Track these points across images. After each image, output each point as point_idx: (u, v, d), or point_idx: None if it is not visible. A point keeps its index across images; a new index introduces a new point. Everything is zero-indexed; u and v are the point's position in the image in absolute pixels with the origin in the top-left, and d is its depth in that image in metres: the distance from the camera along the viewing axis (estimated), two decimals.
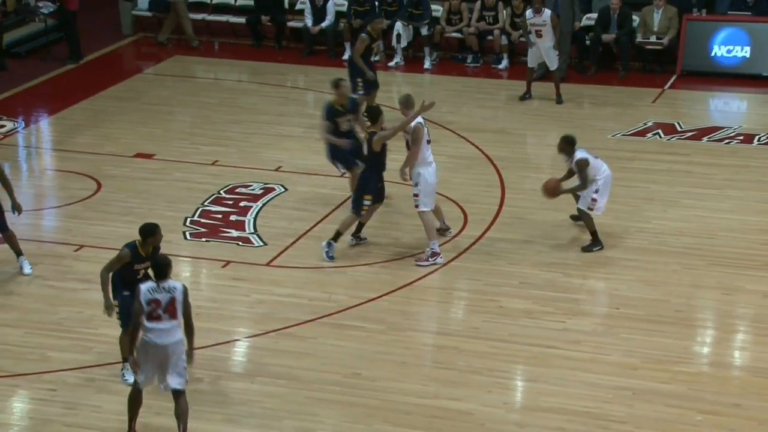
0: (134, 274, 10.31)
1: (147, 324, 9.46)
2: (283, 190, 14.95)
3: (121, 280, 10.38)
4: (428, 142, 13.06)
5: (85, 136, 16.80)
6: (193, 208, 14.36)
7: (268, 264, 13.08)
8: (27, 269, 12.70)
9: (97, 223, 14.00)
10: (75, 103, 18.25)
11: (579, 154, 13.19)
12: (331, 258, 13.09)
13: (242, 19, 21.39)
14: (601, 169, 13.26)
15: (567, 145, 13.34)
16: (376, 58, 17.16)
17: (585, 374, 10.85)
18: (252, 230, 13.90)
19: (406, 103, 13.17)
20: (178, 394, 9.58)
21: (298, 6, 21.25)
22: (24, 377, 10.84)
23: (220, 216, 14.23)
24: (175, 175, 15.41)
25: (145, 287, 9.49)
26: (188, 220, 14.09)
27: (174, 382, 9.53)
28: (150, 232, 10.25)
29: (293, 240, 13.61)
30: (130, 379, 10.18)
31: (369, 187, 13.10)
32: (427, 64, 20.23)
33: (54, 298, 12.28)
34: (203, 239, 13.67)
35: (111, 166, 15.64)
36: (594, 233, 13.31)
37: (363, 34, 16.52)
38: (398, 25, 20.20)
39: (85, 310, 11.85)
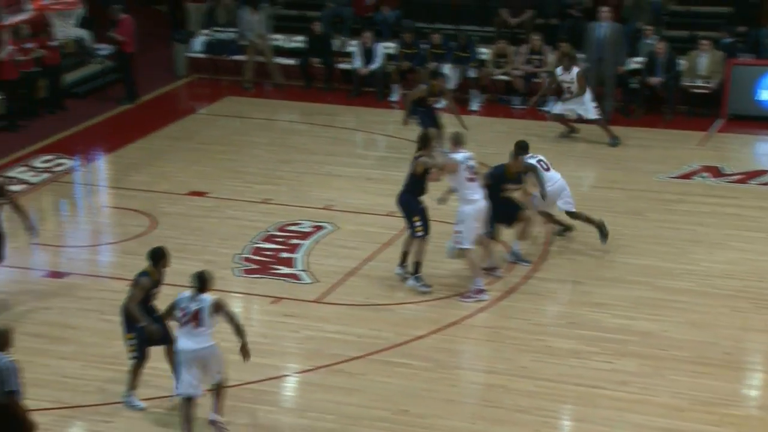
0: (149, 299, 10.70)
1: (177, 330, 10.27)
2: (332, 228, 15.02)
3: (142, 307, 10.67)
4: (472, 180, 13.08)
5: (141, 174, 17.00)
6: (244, 245, 14.44)
7: (317, 301, 13.12)
8: None
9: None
10: (131, 142, 18.47)
11: (529, 161, 13.77)
12: (427, 289, 13.13)
13: (293, 61, 21.59)
14: (552, 179, 13.93)
15: (520, 150, 13.79)
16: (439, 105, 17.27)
17: (632, 415, 10.76)
18: (301, 267, 13.96)
19: (455, 140, 13.26)
20: (218, 385, 10.40)
21: (348, 48, 21.43)
22: (81, 409, 10.93)
23: (270, 253, 14.30)
24: (227, 212, 15.53)
25: (181, 296, 10.28)
26: (239, 257, 14.16)
27: (214, 379, 10.39)
28: (161, 255, 10.70)
29: (342, 277, 13.64)
30: (140, 405, 10.81)
31: (412, 208, 13.17)
32: (473, 106, 20.30)
33: (110, 332, 12.35)
34: (254, 276, 13.74)
35: (165, 204, 15.79)
36: (559, 222, 14.29)
37: (423, 86, 16.77)
38: (445, 67, 20.30)
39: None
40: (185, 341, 10.19)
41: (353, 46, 21.21)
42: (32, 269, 14.03)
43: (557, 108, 18.52)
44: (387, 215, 14.98)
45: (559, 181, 14.15)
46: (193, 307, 10.15)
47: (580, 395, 11.12)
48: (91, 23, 21.54)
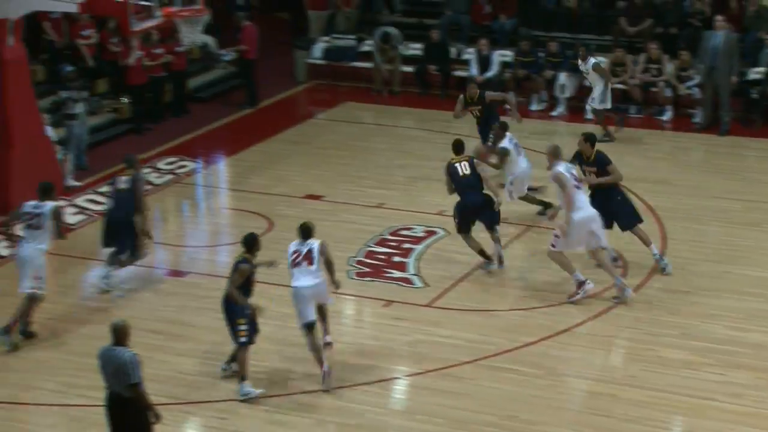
0: (250, 281, 11.22)
1: (292, 270, 11.47)
2: (444, 233, 14.98)
3: (242, 292, 11.11)
4: (578, 188, 12.91)
5: (259, 177, 17.20)
6: (357, 248, 14.50)
7: (428, 305, 13.10)
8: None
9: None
10: (250, 145, 18.73)
11: (504, 143, 14.65)
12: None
13: (410, 68, 21.63)
14: (520, 165, 14.72)
15: (500, 130, 14.88)
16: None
17: (745, 428, 10.47)
18: (413, 271, 13.95)
19: (554, 152, 13.10)
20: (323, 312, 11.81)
21: (464, 56, 21.37)
22: (196, 405, 11.10)
23: (383, 257, 14.33)
24: (342, 216, 15.61)
25: (292, 244, 11.64)
26: (353, 260, 14.22)
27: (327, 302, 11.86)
28: (255, 240, 11.33)
29: (453, 282, 13.59)
30: (253, 392, 11.04)
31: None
32: (589, 115, 20.03)
33: (225, 330, 12.50)
34: (366, 279, 13.78)
35: (283, 206, 15.94)
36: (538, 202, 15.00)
37: (461, 96, 16.70)
38: (562, 76, 20.09)
39: (255, 343, 12.05)
40: (302, 279, 11.39)
41: (470, 53, 21.15)
42: (154, 267, 14.31)
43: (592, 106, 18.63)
44: (501, 222, 14.85)
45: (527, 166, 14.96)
46: (305, 249, 11.44)
47: (691, 407, 10.86)
48: (215, 29, 21.94)
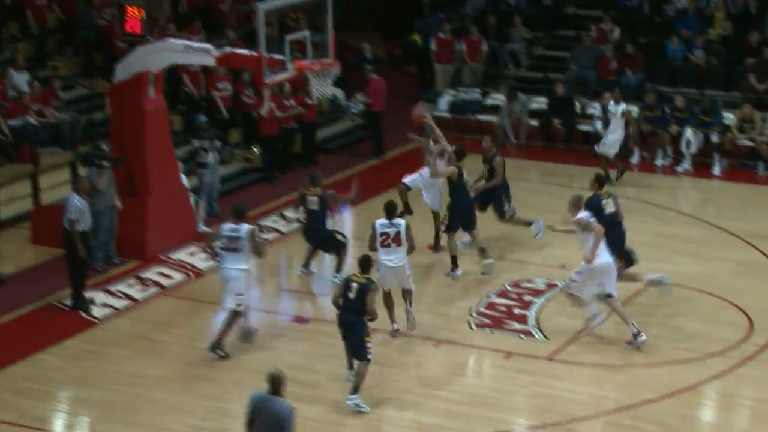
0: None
1: (381, 251, 12.78)
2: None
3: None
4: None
5: None
6: (478, 299, 14.42)
7: (548, 357, 12.94)
8: None
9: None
10: (375, 195, 18.80)
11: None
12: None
13: (534, 122, 21.55)
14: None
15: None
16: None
17: None
18: (534, 324, 13.81)
19: (576, 203, 13.40)
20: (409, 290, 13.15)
21: (589, 110, 21.21)
22: None
23: (504, 308, 14.23)
24: (463, 267, 15.51)
25: (378, 222, 13.00)
26: (474, 310, 14.16)
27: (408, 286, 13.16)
28: (369, 262, 12.02)
29: (573, 335, 13.41)
30: (363, 407, 11.59)
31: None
32: (715, 170, 19.63)
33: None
34: (487, 330, 13.70)
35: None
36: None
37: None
38: (688, 131, 19.75)
39: (374, 390, 12.04)
40: (390, 258, 12.92)
41: (594, 108, 20.98)
42: (279, 313, 14.47)
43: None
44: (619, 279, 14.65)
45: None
46: (393, 231, 12.92)
47: None
48: (344, 82, 22.24)
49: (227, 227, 12.94)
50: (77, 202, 14.06)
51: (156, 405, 12.08)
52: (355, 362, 11.93)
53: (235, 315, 12.99)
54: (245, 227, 12.88)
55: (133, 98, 15.78)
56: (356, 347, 11.80)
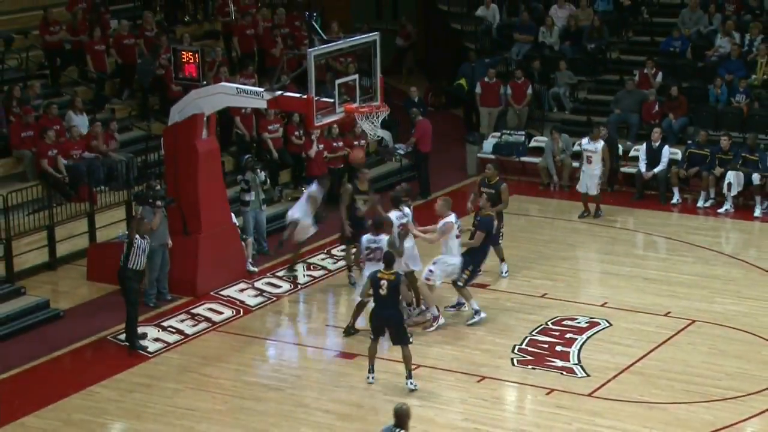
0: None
1: (367, 264, 13.91)
2: (607, 324, 14.79)
3: None
4: (457, 236, 14.56)
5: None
6: (521, 337, 14.45)
7: (590, 395, 12.91)
8: None
9: (435, 346, 14.33)
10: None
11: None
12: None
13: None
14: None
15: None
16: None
17: None
18: (576, 361, 13.80)
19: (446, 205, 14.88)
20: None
21: (632, 153, 21.20)
22: None
23: (546, 346, 14.23)
24: (506, 305, 15.60)
25: (365, 238, 14.10)
26: (516, 347, 14.19)
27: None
28: (393, 258, 13.17)
29: (615, 373, 13.38)
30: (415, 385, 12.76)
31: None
32: (757, 212, 19.50)
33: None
34: (529, 367, 13.71)
35: (450, 294, 15.82)
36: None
37: (349, 185, 16.81)
38: (730, 174, 19.66)
39: (419, 425, 12.06)
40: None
41: (637, 150, 20.98)
42: (326, 349, 14.57)
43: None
44: (664, 315, 14.65)
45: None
46: (377, 246, 13.88)
47: None
48: (392, 124, 22.43)
49: (366, 238, 14.22)
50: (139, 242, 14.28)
51: None
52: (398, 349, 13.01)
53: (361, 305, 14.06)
54: (384, 238, 14.05)
55: (186, 139, 16.06)
56: (398, 334, 12.91)
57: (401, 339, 12.92)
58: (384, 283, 12.81)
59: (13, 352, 14.32)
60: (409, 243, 14.87)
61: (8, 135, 18.20)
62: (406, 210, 15.12)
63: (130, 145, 19.80)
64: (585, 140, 19.10)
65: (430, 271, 14.63)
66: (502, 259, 16.67)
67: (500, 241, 16.45)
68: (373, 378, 13.18)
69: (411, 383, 13.02)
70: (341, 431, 12.18)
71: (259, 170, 17.65)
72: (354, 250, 16.16)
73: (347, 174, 19.23)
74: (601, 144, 18.88)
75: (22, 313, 15.29)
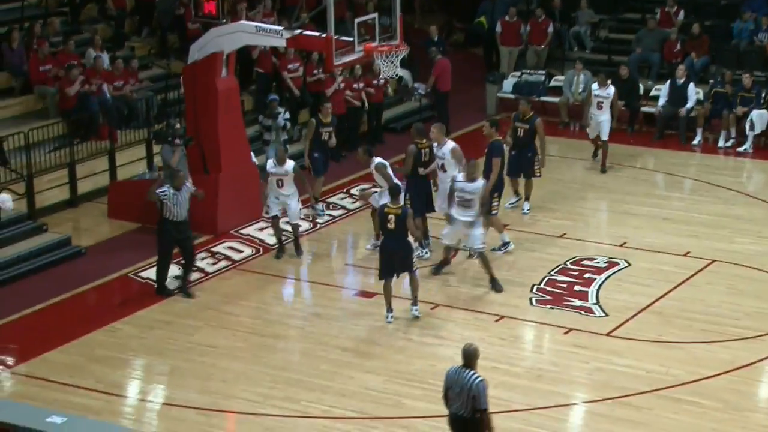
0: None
1: (455, 209, 14.01)
2: (626, 265, 14.71)
3: None
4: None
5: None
6: (540, 277, 14.40)
7: (608, 334, 12.87)
8: None
9: (452, 285, 14.35)
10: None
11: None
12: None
13: None
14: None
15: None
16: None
17: None
18: (594, 301, 13.74)
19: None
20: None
21: (653, 92, 20.95)
22: (381, 420, 11.22)
23: (564, 285, 14.18)
24: (525, 245, 15.52)
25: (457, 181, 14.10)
26: (535, 287, 14.14)
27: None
28: (399, 190, 13.33)
29: (634, 313, 13.33)
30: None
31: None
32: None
33: (412, 350, 12.67)
34: (548, 306, 13.67)
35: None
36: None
37: (312, 119, 17.09)
38: (753, 112, 19.38)
39: (437, 364, 12.12)
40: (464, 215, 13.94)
41: (658, 89, 20.72)
42: (345, 288, 14.57)
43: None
44: (684, 255, 14.55)
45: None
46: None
47: None
48: (411, 64, 22.23)
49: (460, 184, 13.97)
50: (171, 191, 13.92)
51: (226, 374, 12.24)
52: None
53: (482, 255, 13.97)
54: (481, 182, 13.93)
55: (206, 78, 15.92)
56: (405, 263, 13.05)
57: (407, 267, 13.11)
58: (391, 217, 12.99)
59: (36, 289, 14.38)
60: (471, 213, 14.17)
61: (29, 71, 18.12)
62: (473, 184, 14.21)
63: (149, 84, 19.69)
64: (595, 86, 18.59)
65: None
66: (527, 198, 16.56)
67: (538, 175, 16.53)
68: (391, 317, 13.17)
69: (415, 310, 13.23)
70: (360, 369, 12.19)
71: (281, 115, 17.54)
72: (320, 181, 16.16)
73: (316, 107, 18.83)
74: (612, 89, 18.27)
75: (44, 250, 15.31)
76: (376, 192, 15.01)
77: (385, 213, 13.11)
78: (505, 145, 15.99)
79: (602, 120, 18.28)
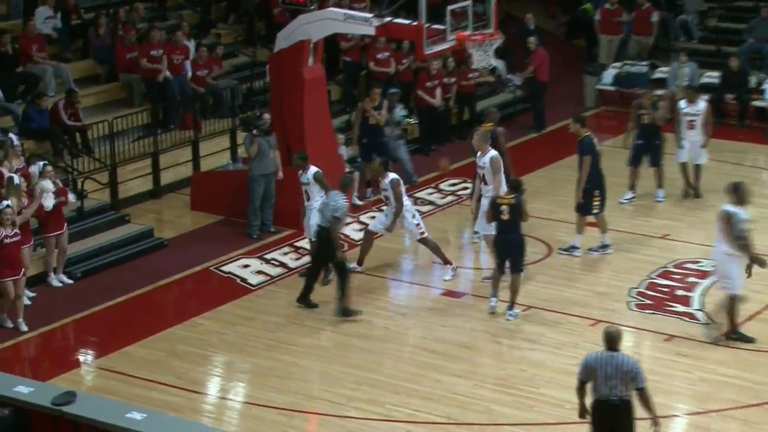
0: None
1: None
2: None
3: None
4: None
5: (541, 202, 17.01)
6: (639, 280, 14.16)
7: (713, 342, 12.56)
8: None
9: (546, 286, 14.17)
10: (534, 170, 18.61)
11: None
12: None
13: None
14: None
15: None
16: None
17: None
18: (698, 307, 13.45)
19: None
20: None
21: (764, 86, 20.45)
22: (468, 426, 11.12)
23: (666, 290, 13.91)
24: (624, 245, 15.29)
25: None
26: (633, 291, 13.90)
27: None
28: (520, 184, 13.33)
29: (741, 321, 12.95)
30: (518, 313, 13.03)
31: None
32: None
33: (501, 354, 12.55)
34: (647, 311, 13.42)
35: (562, 232, 15.74)
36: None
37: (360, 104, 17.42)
38: None
39: (528, 369, 11.96)
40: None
41: None
42: (432, 287, 14.47)
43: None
44: None
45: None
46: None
47: None
48: (506, 53, 22.03)
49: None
50: (343, 201, 13.54)
51: (308, 373, 12.27)
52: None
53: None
54: (518, 197, 13.32)
55: (292, 67, 15.96)
56: (516, 261, 13.11)
57: (516, 266, 13.15)
58: (504, 208, 13.03)
59: (117, 281, 14.58)
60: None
61: (114, 58, 18.38)
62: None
63: (235, 72, 19.83)
64: (683, 103, 17.04)
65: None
66: (660, 185, 16.57)
67: (661, 163, 16.57)
68: (495, 302, 13.24)
69: (511, 314, 13.16)
70: (447, 372, 12.10)
71: (396, 109, 17.69)
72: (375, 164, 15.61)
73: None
74: (702, 105, 16.88)
75: (127, 242, 15.54)
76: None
77: (497, 205, 13.12)
78: (630, 133, 16.08)
79: (695, 141, 16.82)
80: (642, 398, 9.49)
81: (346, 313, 13.31)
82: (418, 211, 16.71)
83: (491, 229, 13.63)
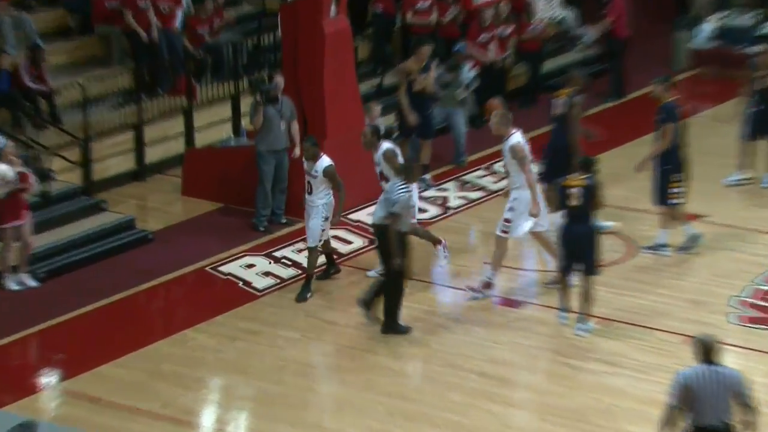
0: None
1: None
2: None
3: None
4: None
5: (620, 188, 16.79)
6: (742, 286, 14.15)
7: None
8: None
9: (626, 294, 14.07)
10: (613, 147, 18.44)
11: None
12: None
13: None
14: None
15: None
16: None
17: None
18: None
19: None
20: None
21: None
22: None
23: None
24: (726, 243, 15.30)
25: None
26: (735, 299, 13.88)
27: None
28: (592, 162, 13.19)
29: None
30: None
31: None
32: None
33: (569, 380, 12.45)
34: (753, 325, 13.40)
35: (646, 227, 15.67)
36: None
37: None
38: None
39: (604, 398, 11.88)
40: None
41: None
42: (483, 294, 14.31)
43: None
44: None
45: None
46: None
47: None
48: (577, 2, 21.93)
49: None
50: (403, 192, 13.15)
51: (328, 402, 12.27)
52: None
53: None
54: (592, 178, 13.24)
55: (310, 19, 15.93)
56: (589, 260, 12.95)
57: (590, 267, 12.99)
58: (574, 191, 12.83)
59: (91, 283, 14.61)
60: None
61: (89, 7, 18.35)
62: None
63: (238, 24, 19.79)
64: None
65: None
66: None
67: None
68: (566, 317, 13.21)
69: (582, 329, 13.10)
70: (502, 401, 12.02)
71: (463, 69, 17.86)
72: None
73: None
74: None
75: (102, 234, 15.54)
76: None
77: (565, 187, 12.96)
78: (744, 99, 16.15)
79: None
80: (754, 413, 9.37)
81: (377, 319, 13.27)
82: (465, 198, 16.65)
83: (540, 225, 13.73)
